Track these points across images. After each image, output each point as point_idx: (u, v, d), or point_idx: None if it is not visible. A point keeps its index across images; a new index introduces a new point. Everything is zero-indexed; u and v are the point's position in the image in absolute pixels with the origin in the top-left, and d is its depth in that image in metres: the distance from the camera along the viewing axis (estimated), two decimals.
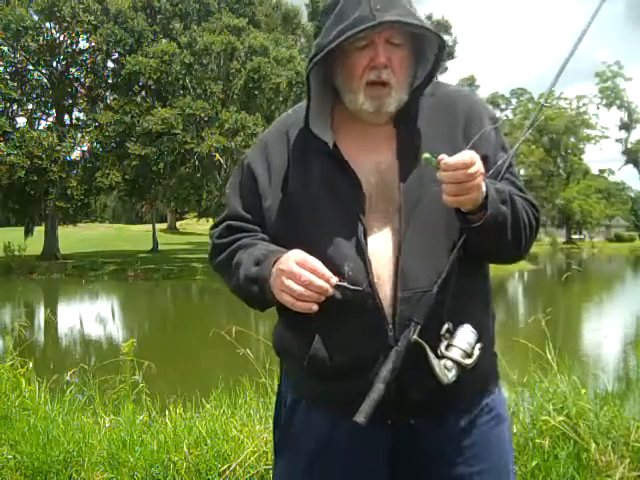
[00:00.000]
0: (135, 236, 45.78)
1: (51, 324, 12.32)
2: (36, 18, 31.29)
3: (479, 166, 1.21)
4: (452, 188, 1.20)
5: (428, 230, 1.33)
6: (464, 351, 1.26)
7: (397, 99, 1.36)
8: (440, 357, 1.26)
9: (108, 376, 4.05)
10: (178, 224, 59.73)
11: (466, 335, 1.27)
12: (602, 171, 77.17)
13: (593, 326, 13.75)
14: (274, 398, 3.49)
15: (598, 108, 63.17)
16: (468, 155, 1.20)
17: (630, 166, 68.89)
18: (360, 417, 1.21)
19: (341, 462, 1.39)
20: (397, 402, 1.31)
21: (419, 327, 1.26)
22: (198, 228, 57.81)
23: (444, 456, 1.37)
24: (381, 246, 1.33)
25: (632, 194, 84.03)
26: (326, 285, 1.26)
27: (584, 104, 63.58)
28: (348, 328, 1.32)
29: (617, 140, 67.35)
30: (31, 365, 4.28)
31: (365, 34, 1.30)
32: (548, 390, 3.22)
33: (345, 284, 1.29)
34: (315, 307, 1.27)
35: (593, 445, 2.81)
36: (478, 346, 1.27)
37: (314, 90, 1.38)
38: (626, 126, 64.76)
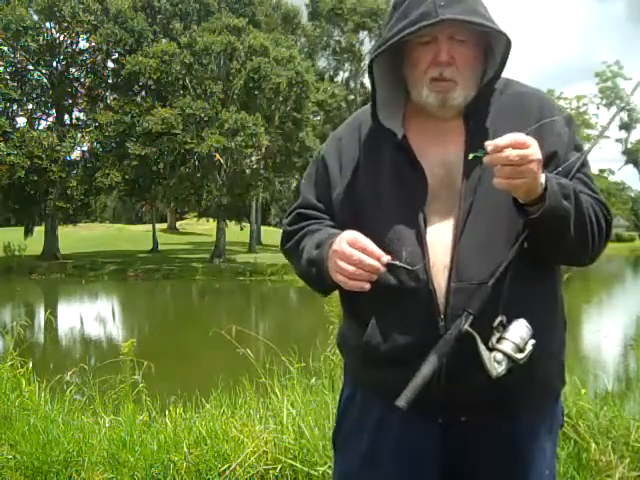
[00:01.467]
0: (135, 236, 45.77)
1: (51, 324, 12.31)
2: (36, 18, 31.31)
3: (534, 151, 1.18)
4: (504, 170, 1.17)
5: (488, 224, 1.32)
6: (516, 345, 1.23)
7: (463, 94, 1.36)
8: (491, 349, 1.24)
9: (108, 376, 4.04)
10: (178, 224, 59.70)
11: (520, 329, 1.24)
12: (602, 171, 77.19)
13: (593, 326, 13.76)
14: (274, 398, 3.50)
15: (598, 108, 63.19)
16: (521, 136, 1.17)
17: (630, 166, 68.92)
18: (401, 401, 1.21)
19: (391, 458, 1.39)
20: (447, 397, 1.30)
21: (471, 318, 1.24)
22: (198, 228, 57.81)
23: (494, 462, 1.36)
24: (440, 236, 1.33)
25: (632, 194, 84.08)
26: (377, 264, 1.27)
27: (584, 104, 63.59)
28: (400, 315, 1.33)
29: (617, 140, 67.39)
30: (31, 365, 4.28)
31: (428, 30, 1.31)
32: None
33: (397, 262, 1.30)
34: (367, 286, 1.28)
35: (593, 445, 2.81)
36: (531, 342, 1.24)
37: (385, 83, 1.41)
38: (626, 126, 64.75)
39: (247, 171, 33.09)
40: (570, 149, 1.38)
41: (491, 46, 1.38)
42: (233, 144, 29.13)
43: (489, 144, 1.17)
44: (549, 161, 1.32)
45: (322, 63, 43.87)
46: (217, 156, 29.53)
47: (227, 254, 33.57)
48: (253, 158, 33.13)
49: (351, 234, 1.31)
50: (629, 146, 66.55)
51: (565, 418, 2.89)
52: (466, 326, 1.24)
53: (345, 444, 1.49)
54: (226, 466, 2.87)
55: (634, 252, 59.17)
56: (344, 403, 1.51)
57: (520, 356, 1.23)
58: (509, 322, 1.25)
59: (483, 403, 1.31)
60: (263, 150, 32.02)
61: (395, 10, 1.36)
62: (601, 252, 1.37)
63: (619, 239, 73.95)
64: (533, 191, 1.21)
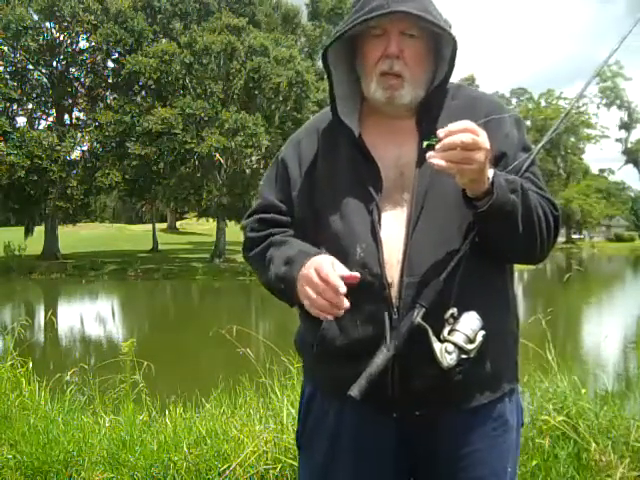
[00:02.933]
0: (135, 236, 45.77)
1: (51, 324, 12.31)
2: (36, 18, 31.29)
3: (484, 140, 1.20)
4: (455, 155, 1.18)
5: (440, 220, 1.35)
6: (467, 336, 1.26)
7: (411, 93, 1.39)
8: (442, 341, 1.26)
9: (108, 376, 4.04)
10: (178, 224, 59.71)
11: (470, 321, 1.27)
12: (602, 171, 77.26)
13: (593, 326, 13.76)
14: (274, 398, 3.50)
15: (598, 108, 63.22)
16: (472, 124, 1.20)
17: (630, 166, 68.97)
18: (354, 391, 1.23)
19: (349, 456, 1.41)
20: (400, 391, 1.32)
21: (423, 310, 1.27)
22: (198, 228, 57.81)
23: (449, 457, 1.38)
24: (393, 232, 1.36)
25: (632, 194, 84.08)
26: (335, 297, 1.26)
27: (584, 104, 63.57)
28: (355, 310, 1.34)
29: (617, 140, 67.42)
30: (31, 365, 4.28)
31: (378, 23, 1.35)
32: (548, 390, 3.22)
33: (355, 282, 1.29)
34: (330, 317, 1.29)
35: (593, 445, 2.81)
36: (481, 333, 1.27)
37: (343, 81, 1.45)
38: (626, 126, 64.79)
39: (247, 171, 33.08)
40: (519, 150, 1.41)
41: (441, 51, 1.41)
42: (233, 144, 29.12)
43: (442, 131, 1.19)
44: (498, 161, 1.35)
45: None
46: (217, 156, 29.52)
47: (227, 254, 33.57)
48: (253, 158, 33.12)
49: (319, 261, 1.31)
50: (629, 146, 66.55)
51: (565, 418, 2.92)
52: (418, 319, 1.27)
53: (308, 443, 1.51)
54: (226, 466, 2.87)
55: (634, 252, 59.18)
56: (306, 403, 1.53)
57: (470, 347, 1.26)
58: (460, 314, 1.28)
59: (435, 396, 1.33)
60: (263, 150, 32.00)
61: (353, 7, 1.41)
62: (550, 249, 1.39)
63: (619, 239, 73.98)
64: (479, 182, 1.23)
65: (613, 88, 61.05)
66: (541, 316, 3.69)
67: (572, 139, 63.73)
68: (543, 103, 64.92)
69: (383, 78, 1.38)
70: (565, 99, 63.67)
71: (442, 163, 1.18)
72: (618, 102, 62.78)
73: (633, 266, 44.39)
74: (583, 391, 3.16)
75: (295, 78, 31.15)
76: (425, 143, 1.24)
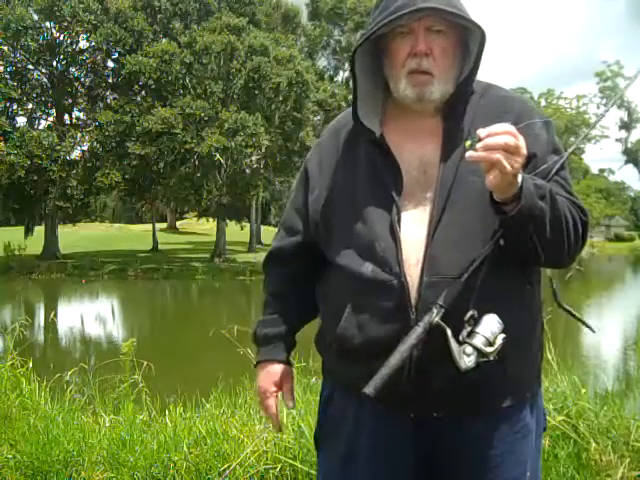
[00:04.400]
0: (135, 236, 45.74)
1: (51, 324, 12.31)
2: (36, 18, 31.27)
3: (524, 145, 1.19)
4: (498, 154, 1.16)
5: (463, 220, 1.33)
6: (486, 339, 1.24)
7: (440, 89, 1.38)
8: (461, 343, 1.25)
9: (108, 376, 4.04)
10: (178, 223, 59.67)
11: (491, 324, 1.25)
12: (602, 171, 77.30)
13: (593, 325, 13.72)
14: None
15: (598, 108, 63.14)
16: (512, 127, 1.18)
17: (630, 166, 68.92)
18: (369, 389, 1.21)
19: (367, 456, 1.40)
20: (416, 390, 1.31)
21: (442, 311, 1.25)
22: (198, 228, 57.78)
23: (466, 461, 1.37)
24: (414, 231, 1.35)
25: (632, 194, 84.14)
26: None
27: (584, 104, 63.61)
28: (373, 308, 1.34)
29: (617, 140, 67.38)
30: (31, 364, 4.28)
31: (405, 22, 1.34)
32: (548, 390, 3.22)
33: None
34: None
35: (593, 445, 2.81)
36: (501, 336, 1.25)
37: (367, 83, 1.44)
38: (626, 126, 64.74)
39: (247, 171, 33.07)
40: (549, 152, 1.39)
41: (468, 45, 1.40)
42: (233, 144, 29.10)
43: (483, 131, 1.17)
44: (527, 163, 1.32)
45: (322, 63, 43.86)
46: (217, 156, 29.50)
47: (227, 254, 33.56)
48: (253, 158, 33.10)
49: (265, 390, 1.58)
50: (629, 146, 66.55)
51: (565, 417, 2.92)
52: (437, 319, 1.25)
53: (326, 443, 1.51)
54: (226, 466, 2.87)
55: (634, 252, 59.22)
56: (324, 403, 1.53)
57: (490, 350, 1.24)
58: (480, 317, 1.26)
59: (453, 398, 1.32)
60: (263, 150, 32.00)
61: (376, 8, 1.39)
62: (578, 253, 1.38)
63: (619, 239, 74.01)
64: (512, 186, 1.22)
65: (613, 88, 61.00)
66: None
67: (572, 139, 63.69)
68: (543, 103, 64.88)
69: (412, 76, 1.37)
70: (565, 99, 63.74)
71: (494, 156, 1.15)
72: (618, 102, 62.74)
73: (633, 266, 44.40)
74: (583, 391, 3.16)
75: (295, 78, 31.14)
76: (467, 143, 1.22)
